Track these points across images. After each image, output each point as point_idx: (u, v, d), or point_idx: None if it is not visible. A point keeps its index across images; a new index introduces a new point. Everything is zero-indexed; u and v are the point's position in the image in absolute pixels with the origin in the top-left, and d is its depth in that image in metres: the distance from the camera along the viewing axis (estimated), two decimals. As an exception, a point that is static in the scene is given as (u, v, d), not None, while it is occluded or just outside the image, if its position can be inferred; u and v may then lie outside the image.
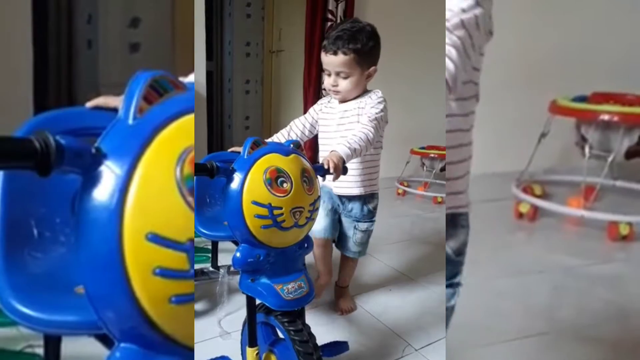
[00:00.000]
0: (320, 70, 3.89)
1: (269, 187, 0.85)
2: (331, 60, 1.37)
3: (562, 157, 2.50)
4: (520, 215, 2.26)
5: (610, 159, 2.09)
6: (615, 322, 1.47)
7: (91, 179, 0.48)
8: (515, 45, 2.56)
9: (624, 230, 2.00)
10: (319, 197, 0.97)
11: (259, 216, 0.85)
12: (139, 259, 0.46)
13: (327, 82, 1.43)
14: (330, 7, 3.80)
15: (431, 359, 1.39)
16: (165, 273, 0.45)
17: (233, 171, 0.88)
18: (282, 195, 0.86)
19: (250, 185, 0.86)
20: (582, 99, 2.19)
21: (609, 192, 2.28)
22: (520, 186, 2.33)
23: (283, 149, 0.93)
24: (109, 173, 0.47)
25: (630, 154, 2.10)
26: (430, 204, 3.40)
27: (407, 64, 4.06)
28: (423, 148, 3.59)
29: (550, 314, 1.53)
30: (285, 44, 4.26)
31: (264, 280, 0.94)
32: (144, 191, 0.46)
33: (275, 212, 0.85)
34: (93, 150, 0.48)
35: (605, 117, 2.04)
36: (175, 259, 0.45)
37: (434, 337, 1.48)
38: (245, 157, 0.90)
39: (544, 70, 2.58)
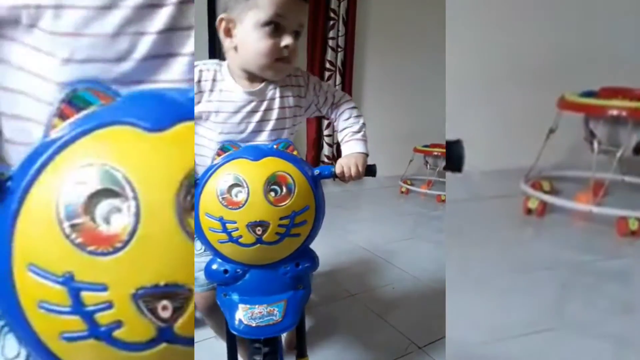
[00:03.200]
0: (323, 69, 3.95)
1: (221, 199, 0.78)
2: (295, 4, 0.93)
3: (571, 153, 2.52)
4: (529, 211, 2.29)
5: (619, 154, 2.12)
6: (624, 317, 1.49)
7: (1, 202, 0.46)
8: (522, 41, 2.62)
9: (633, 225, 2.03)
10: (307, 208, 0.84)
11: (213, 230, 0.79)
12: (26, 291, 0.43)
13: (283, 43, 0.93)
14: (332, 6, 3.87)
15: (434, 356, 1.44)
16: (48, 308, 0.43)
17: (196, 180, 0.82)
18: (235, 207, 0.78)
19: (205, 196, 0.80)
20: (590, 94, 2.22)
21: (617, 188, 2.29)
22: (528, 182, 2.36)
23: (254, 153, 0.83)
24: (10, 197, 0.45)
25: (638, 149, 2.14)
26: (433, 202, 3.47)
27: (411, 62, 4.13)
28: (426, 146, 3.67)
29: (558, 309, 1.56)
30: (288, 43, 4.34)
31: (234, 297, 0.86)
32: (28, 218, 0.44)
33: (229, 226, 0.78)
34: None
35: (614, 112, 2.06)
36: (54, 293, 0.42)
37: (437, 335, 1.53)
38: (211, 165, 0.84)
39: (552, 66, 2.60)
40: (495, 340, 1.36)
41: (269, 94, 1.01)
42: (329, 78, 3.97)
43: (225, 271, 0.85)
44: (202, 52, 2.96)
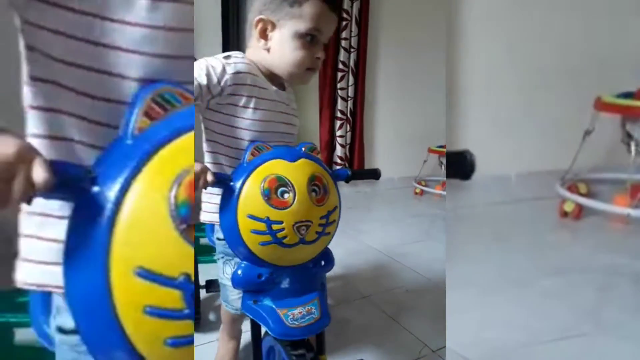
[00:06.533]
0: (335, 70, 4.01)
1: (266, 199, 0.79)
2: (331, 20, 1.01)
3: (608, 155, 2.51)
4: (565, 214, 2.32)
5: (657, 156, 2.09)
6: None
7: (81, 205, 0.45)
8: (559, 42, 2.63)
9: (672, 228, 2.00)
10: (337, 207, 0.88)
11: (256, 231, 0.80)
12: (129, 296, 0.43)
13: (317, 55, 1.02)
14: (345, 7, 3.92)
15: (448, 360, 1.41)
16: (157, 312, 0.42)
17: (230, 180, 0.83)
18: (282, 207, 0.80)
19: (246, 197, 0.80)
20: (628, 95, 2.23)
21: (655, 190, 2.25)
22: (564, 185, 2.38)
23: (289, 154, 0.86)
24: (100, 199, 0.44)
25: (677, 151, 2.11)
26: (448, 203, 3.49)
27: (424, 62, 4.14)
28: (441, 147, 3.68)
29: (594, 313, 1.56)
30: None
31: (268, 302, 0.87)
32: (134, 220, 0.43)
33: (275, 227, 0.79)
34: (83, 174, 0.45)
35: (652, 113, 2.04)
36: (168, 297, 0.42)
37: (451, 339, 1.50)
38: (245, 164, 0.84)
39: (589, 66, 2.62)
40: (530, 344, 1.37)
41: (285, 97, 1.08)
42: (341, 79, 3.99)
43: (259, 276, 0.85)
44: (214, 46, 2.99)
